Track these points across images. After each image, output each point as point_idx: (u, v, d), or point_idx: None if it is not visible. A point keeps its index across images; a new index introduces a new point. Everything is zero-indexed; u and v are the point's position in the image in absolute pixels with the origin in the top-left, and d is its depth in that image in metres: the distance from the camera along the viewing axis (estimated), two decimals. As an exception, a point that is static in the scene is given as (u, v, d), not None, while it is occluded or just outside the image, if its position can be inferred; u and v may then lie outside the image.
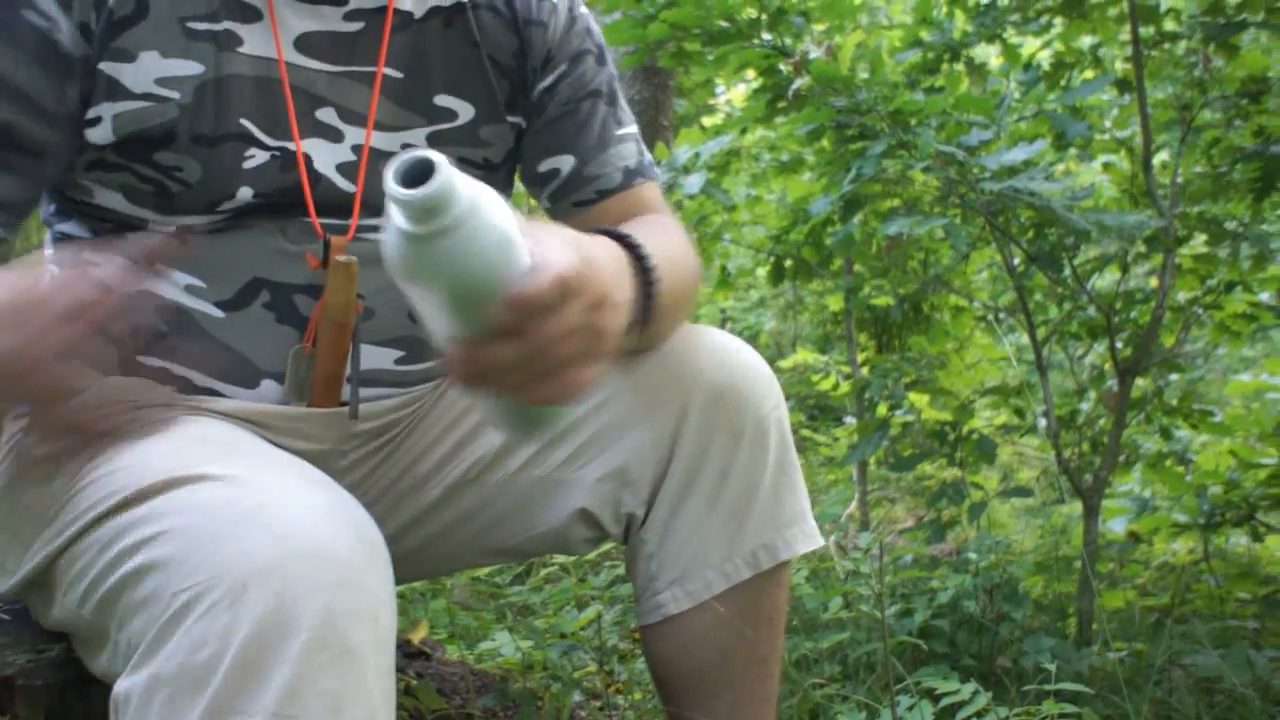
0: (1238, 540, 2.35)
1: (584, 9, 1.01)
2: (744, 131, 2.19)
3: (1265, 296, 2.11)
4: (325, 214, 0.91)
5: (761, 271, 2.48)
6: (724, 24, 1.76)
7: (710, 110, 5.88)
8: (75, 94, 0.83)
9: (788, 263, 2.29)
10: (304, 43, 0.89)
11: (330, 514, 0.69)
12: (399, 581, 1.35)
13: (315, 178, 0.90)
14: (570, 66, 0.99)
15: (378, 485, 1.01)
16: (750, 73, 2.02)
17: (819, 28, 1.99)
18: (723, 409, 0.95)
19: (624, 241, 0.82)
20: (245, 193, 0.88)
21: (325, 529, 0.67)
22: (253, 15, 0.87)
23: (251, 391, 0.90)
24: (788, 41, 1.82)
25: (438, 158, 0.61)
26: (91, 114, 0.84)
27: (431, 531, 1.02)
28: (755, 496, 0.97)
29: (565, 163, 1.00)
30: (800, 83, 1.65)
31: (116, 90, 0.84)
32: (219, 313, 0.89)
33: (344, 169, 0.91)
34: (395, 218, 0.62)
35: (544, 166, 1.01)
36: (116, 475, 0.77)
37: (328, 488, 0.75)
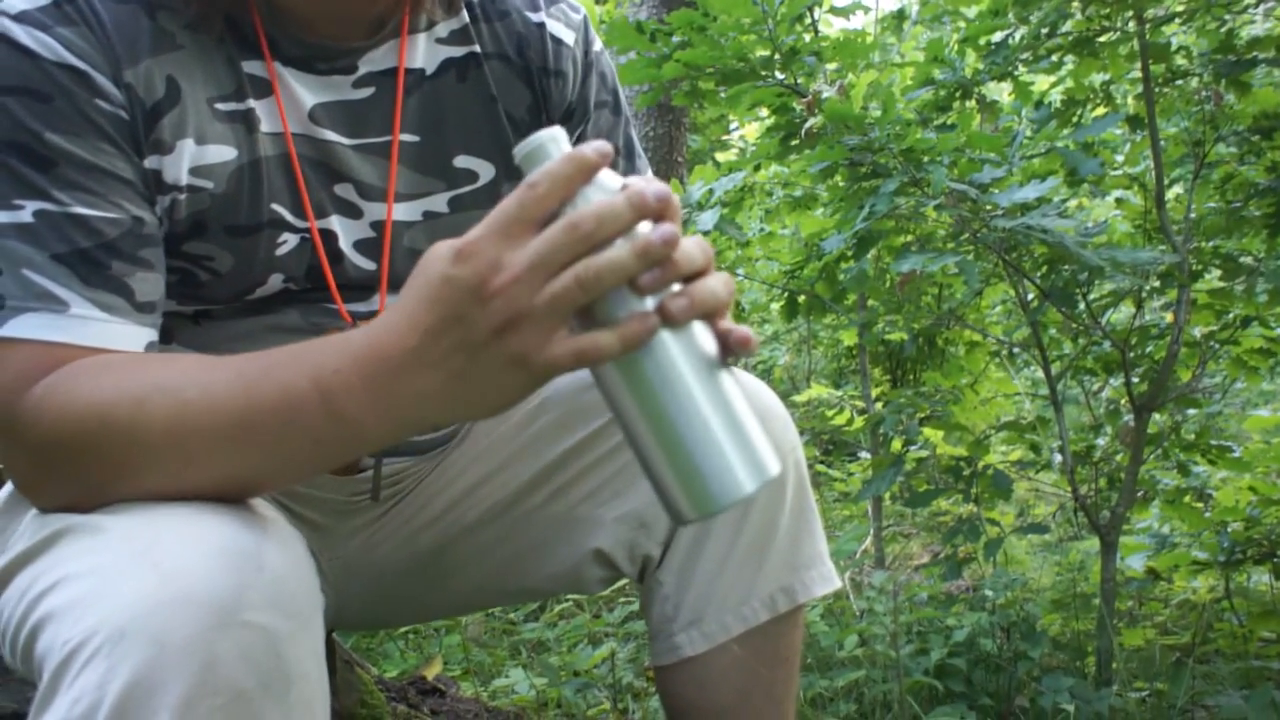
0: (1260, 578, 2.32)
1: (598, 45, 0.95)
2: (757, 168, 2.20)
3: (1283, 330, 2.09)
4: (347, 294, 0.87)
5: (775, 306, 2.48)
6: (738, 64, 1.78)
7: (724, 146, 5.91)
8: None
9: (801, 298, 2.29)
10: (318, 114, 0.85)
11: (224, 549, 0.64)
12: (414, 621, 1.33)
13: (336, 256, 0.87)
14: (590, 125, 0.95)
15: (391, 524, 1.01)
16: (764, 109, 2.03)
17: (831, 66, 2.01)
18: None
19: None
20: (276, 279, 0.85)
21: (215, 565, 0.62)
22: (265, 90, 0.83)
23: None
24: (801, 80, 1.84)
25: None
26: None
27: (446, 570, 1.02)
28: (773, 539, 0.97)
29: None
30: (813, 121, 1.67)
31: (160, 184, 0.79)
32: None
33: (361, 246, 0.88)
34: None
35: None
36: (34, 526, 0.73)
37: (236, 518, 0.67)
